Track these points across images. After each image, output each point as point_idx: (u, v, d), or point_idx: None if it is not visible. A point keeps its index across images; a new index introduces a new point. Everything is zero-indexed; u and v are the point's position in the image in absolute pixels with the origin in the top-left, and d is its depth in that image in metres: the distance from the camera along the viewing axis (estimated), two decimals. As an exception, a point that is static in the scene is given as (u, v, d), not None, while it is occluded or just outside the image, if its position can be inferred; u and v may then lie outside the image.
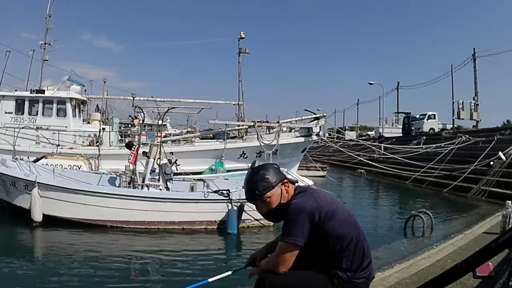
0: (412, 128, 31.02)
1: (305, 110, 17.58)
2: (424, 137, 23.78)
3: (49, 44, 17.96)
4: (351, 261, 2.00)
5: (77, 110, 16.03)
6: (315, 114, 16.34)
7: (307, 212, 1.94)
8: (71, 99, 15.30)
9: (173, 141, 15.71)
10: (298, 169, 16.25)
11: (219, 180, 10.49)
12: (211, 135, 17.28)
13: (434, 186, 16.28)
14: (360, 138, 35.13)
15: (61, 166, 10.90)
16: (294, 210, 1.97)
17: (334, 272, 2.00)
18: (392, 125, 39.44)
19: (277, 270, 1.99)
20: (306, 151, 16.87)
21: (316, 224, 1.94)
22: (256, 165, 2.28)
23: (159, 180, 8.62)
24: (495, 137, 16.50)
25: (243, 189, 2.24)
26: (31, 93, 15.22)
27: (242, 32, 19.12)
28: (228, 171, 13.88)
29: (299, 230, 1.93)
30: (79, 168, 11.31)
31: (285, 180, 2.11)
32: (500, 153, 14.29)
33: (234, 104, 19.39)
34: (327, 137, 22.60)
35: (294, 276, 2.00)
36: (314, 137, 15.78)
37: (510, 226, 5.65)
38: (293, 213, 1.97)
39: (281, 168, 2.23)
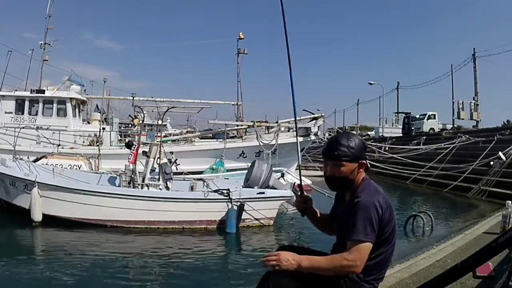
0: (412, 128, 31.00)
1: (304, 110, 17.58)
2: (424, 137, 23.76)
3: (49, 44, 17.96)
4: (372, 266, 1.95)
5: (77, 110, 16.05)
6: (313, 114, 16.38)
7: (381, 210, 1.90)
8: (71, 99, 15.32)
9: (173, 140, 15.73)
10: (296, 169, 16.27)
11: (219, 179, 10.49)
12: (211, 135, 17.30)
13: (434, 186, 16.27)
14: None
15: (61, 166, 10.91)
16: (370, 207, 1.89)
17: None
18: (392, 125, 39.43)
19: (356, 270, 1.87)
20: (305, 150, 16.90)
21: (380, 223, 1.90)
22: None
23: (159, 180, 8.62)
24: (495, 137, 16.49)
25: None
26: (31, 93, 15.23)
27: (241, 33, 19.14)
28: (227, 170, 13.91)
29: (374, 230, 1.87)
30: (79, 168, 11.33)
31: (364, 162, 2.05)
32: (500, 153, 14.28)
33: (233, 104, 19.39)
34: (326, 137, 22.57)
35: (299, 277, 1.95)
36: (313, 137, 15.81)
37: (510, 226, 5.64)
38: (371, 210, 1.88)
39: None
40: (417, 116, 32.41)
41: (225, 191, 8.22)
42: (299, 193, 2.38)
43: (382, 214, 1.90)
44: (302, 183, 2.48)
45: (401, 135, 31.47)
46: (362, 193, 1.97)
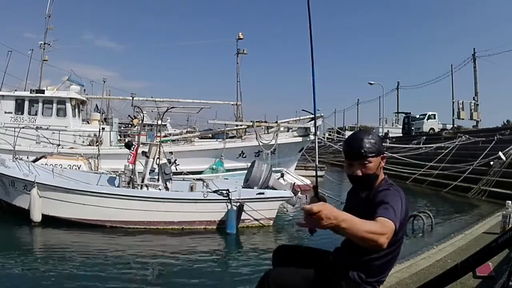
0: (412, 128, 31.00)
1: (303, 110, 17.64)
2: (424, 137, 23.75)
3: (49, 44, 17.91)
4: (377, 268, 1.92)
5: (76, 110, 16.04)
6: (312, 114, 16.36)
7: (403, 207, 1.83)
8: (71, 99, 15.31)
9: (172, 141, 15.73)
10: (296, 169, 16.29)
11: (219, 180, 10.48)
12: (211, 135, 17.30)
13: (434, 186, 16.27)
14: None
15: (60, 166, 10.90)
16: (399, 198, 1.84)
17: (346, 274, 1.92)
18: (392, 125, 39.42)
19: (383, 243, 1.60)
20: (304, 150, 16.92)
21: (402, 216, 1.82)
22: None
23: (158, 180, 8.61)
24: (495, 137, 16.49)
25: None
26: (31, 93, 15.22)
27: (240, 33, 19.18)
28: (227, 170, 13.91)
29: (399, 218, 1.75)
30: (78, 168, 11.31)
31: (384, 155, 2.04)
32: (500, 153, 14.29)
33: (232, 104, 19.39)
34: (326, 137, 22.60)
35: (299, 276, 1.96)
36: (312, 137, 15.83)
37: (510, 226, 5.64)
38: (399, 200, 1.82)
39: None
40: (417, 116, 32.40)
41: (224, 192, 8.20)
42: (312, 195, 2.31)
43: (403, 210, 1.84)
44: (302, 183, 2.46)
45: (401, 135, 31.48)
46: (389, 186, 1.95)
